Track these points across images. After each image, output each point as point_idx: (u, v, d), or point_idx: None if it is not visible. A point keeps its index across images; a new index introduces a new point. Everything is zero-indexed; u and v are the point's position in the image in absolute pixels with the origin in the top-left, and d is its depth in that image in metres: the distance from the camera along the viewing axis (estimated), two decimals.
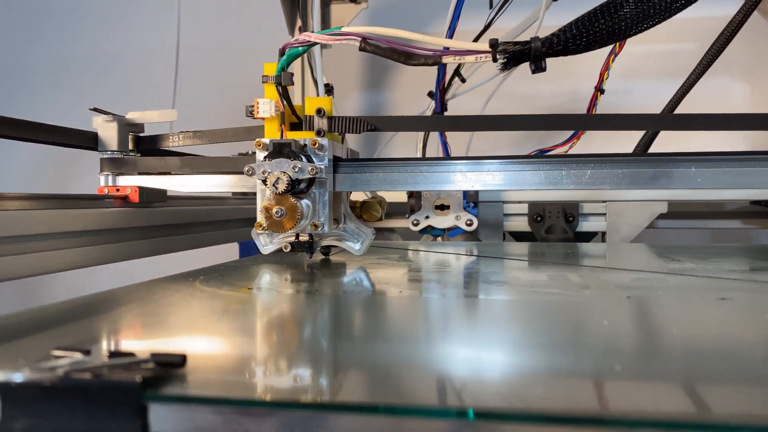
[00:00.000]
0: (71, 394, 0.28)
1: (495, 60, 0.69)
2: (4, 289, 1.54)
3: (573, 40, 0.66)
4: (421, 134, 1.37)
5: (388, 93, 1.81)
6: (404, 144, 1.48)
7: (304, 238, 0.73)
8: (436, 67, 1.35)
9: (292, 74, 0.70)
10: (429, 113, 1.32)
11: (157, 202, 0.81)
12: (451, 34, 1.12)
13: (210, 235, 0.92)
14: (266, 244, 0.74)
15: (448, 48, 0.70)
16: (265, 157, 0.67)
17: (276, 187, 0.65)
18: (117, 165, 0.82)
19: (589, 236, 1.27)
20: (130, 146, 0.84)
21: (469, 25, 1.16)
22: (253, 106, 0.70)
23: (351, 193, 0.81)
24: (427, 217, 1.27)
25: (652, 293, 0.57)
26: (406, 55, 0.70)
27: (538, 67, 0.68)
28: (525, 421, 0.27)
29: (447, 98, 1.37)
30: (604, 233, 1.25)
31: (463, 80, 1.38)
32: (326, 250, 0.81)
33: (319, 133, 0.70)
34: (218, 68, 1.85)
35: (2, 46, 1.99)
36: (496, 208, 1.30)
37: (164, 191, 0.81)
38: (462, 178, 0.70)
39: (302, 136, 0.69)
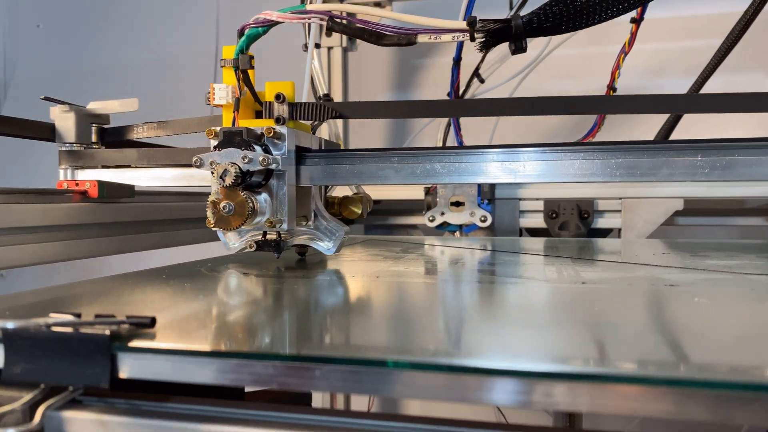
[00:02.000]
0: (56, 344, 0.32)
1: (473, 39, 0.56)
2: None
3: (554, 17, 0.53)
4: (442, 129, 1.30)
5: (415, 93, 1.69)
6: (432, 137, 1.34)
7: (272, 236, 0.61)
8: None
9: (252, 57, 0.58)
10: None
11: (122, 198, 0.69)
12: None
13: (183, 234, 0.80)
14: (233, 241, 0.62)
15: (422, 26, 0.56)
16: (215, 147, 0.55)
17: (223, 180, 0.53)
18: (75, 158, 0.71)
19: (604, 233, 1.13)
20: (94, 138, 0.73)
21: None
22: (209, 92, 0.58)
23: (328, 188, 0.69)
24: (442, 214, 1.20)
25: (605, 282, 0.55)
26: (377, 35, 0.58)
27: (519, 47, 0.55)
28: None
29: (466, 98, 1.26)
30: (619, 230, 1.10)
31: (482, 80, 1.27)
32: (302, 250, 0.68)
33: (278, 120, 0.57)
34: (256, 74, 1.75)
35: (53, 52, 1.93)
36: (511, 204, 1.19)
37: (131, 186, 0.70)
38: (432, 170, 0.57)
39: (260, 124, 0.57)
